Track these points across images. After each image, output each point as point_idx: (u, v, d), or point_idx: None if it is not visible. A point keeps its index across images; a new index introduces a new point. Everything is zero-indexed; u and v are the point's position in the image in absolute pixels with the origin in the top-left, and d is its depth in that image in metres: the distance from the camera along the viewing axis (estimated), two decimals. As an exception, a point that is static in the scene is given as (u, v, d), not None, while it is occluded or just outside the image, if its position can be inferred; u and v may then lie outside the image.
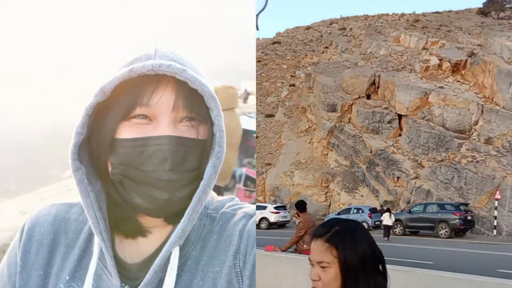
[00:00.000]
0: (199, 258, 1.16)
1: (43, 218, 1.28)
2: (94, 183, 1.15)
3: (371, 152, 32.08)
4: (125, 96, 1.09)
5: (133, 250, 1.20)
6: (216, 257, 1.16)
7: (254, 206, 1.27)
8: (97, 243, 1.16)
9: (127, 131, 1.10)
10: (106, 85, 1.08)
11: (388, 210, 22.45)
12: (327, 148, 34.98)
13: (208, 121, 1.14)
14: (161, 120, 1.09)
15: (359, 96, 34.68)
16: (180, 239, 1.12)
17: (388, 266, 1.33)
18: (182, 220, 1.11)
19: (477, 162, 27.64)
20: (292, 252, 7.94)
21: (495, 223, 24.96)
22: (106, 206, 1.17)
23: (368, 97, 35.16)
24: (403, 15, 49.48)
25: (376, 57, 37.37)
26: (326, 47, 46.22)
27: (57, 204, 1.33)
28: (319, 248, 1.27)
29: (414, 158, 30.26)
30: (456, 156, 28.79)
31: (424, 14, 47.90)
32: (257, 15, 6.82)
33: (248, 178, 6.20)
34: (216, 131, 1.13)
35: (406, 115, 31.72)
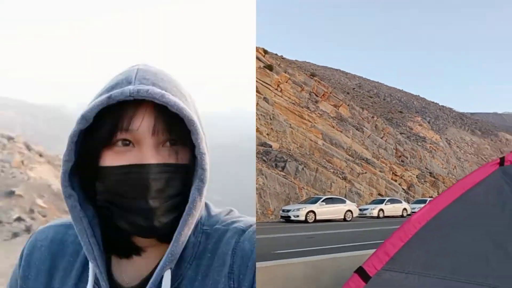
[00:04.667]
0: (194, 278, 1.13)
1: (41, 243, 1.28)
2: (86, 208, 1.14)
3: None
4: (106, 122, 1.08)
5: (130, 270, 1.17)
6: (210, 277, 1.12)
7: (248, 219, 1.21)
8: (92, 269, 1.14)
9: (110, 158, 1.09)
10: (87, 112, 1.07)
11: None
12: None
13: (188, 144, 1.11)
14: (142, 145, 1.08)
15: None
16: (171, 262, 1.10)
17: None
18: (171, 244, 1.09)
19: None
20: None
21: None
22: (100, 230, 1.16)
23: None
24: None
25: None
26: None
27: (55, 225, 1.32)
28: None
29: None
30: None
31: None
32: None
33: None
34: (197, 154, 1.10)
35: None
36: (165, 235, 1.10)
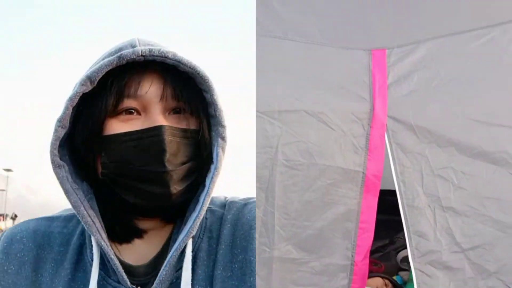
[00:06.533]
0: (216, 249, 1.07)
1: (21, 234, 1.14)
2: (79, 183, 1.04)
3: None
4: (110, 87, 1.00)
5: (132, 254, 1.07)
6: (236, 245, 1.08)
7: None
8: (96, 245, 1.03)
9: (116, 126, 1.01)
10: (93, 73, 0.98)
11: None
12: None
13: (200, 109, 1.06)
14: (151, 111, 1.02)
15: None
16: (195, 228, 1.02)
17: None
18: (198, 208, 1.02)
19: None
20: None
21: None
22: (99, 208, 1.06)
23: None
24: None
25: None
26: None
27: (34, 219, 1.19)
28: None
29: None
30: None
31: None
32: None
33: None
34: (216, 111, 1.05)
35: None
36: (169, 215, 1.04)
